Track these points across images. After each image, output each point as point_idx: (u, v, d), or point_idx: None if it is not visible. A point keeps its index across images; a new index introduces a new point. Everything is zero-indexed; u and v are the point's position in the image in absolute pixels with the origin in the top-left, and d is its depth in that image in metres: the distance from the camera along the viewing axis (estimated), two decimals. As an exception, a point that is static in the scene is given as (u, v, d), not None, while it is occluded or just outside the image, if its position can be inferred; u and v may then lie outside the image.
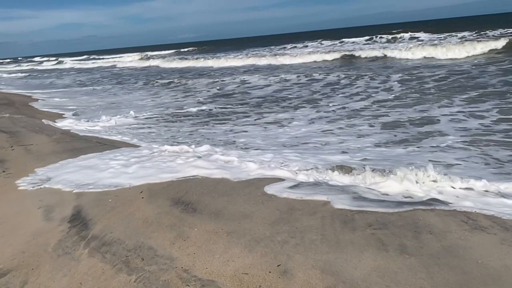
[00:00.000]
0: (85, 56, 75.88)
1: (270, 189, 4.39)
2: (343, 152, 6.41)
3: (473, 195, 4.28)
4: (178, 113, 11.96)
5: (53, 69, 50.39)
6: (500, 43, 20.30)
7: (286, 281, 2.72)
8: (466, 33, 32.14)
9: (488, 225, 3.32)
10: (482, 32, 31.19)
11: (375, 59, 23.38)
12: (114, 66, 42.04)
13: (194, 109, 12.25)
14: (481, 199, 4.10)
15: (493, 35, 29.09)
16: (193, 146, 6.63)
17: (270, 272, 2.82)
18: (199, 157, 5.79)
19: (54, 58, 79.57)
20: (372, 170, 4.95)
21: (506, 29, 30.47)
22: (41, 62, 73.39)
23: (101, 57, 67.38)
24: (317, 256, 2.97)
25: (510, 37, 21.33)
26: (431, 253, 2.95)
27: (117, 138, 8.27)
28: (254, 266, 2.91)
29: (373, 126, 8.34)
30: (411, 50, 22.43)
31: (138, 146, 7.12)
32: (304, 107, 11.56)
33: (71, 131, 9.09)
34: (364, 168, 5.09)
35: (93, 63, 53.84)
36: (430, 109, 9.47)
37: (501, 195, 4.25)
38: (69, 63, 59.56)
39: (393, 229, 3.33)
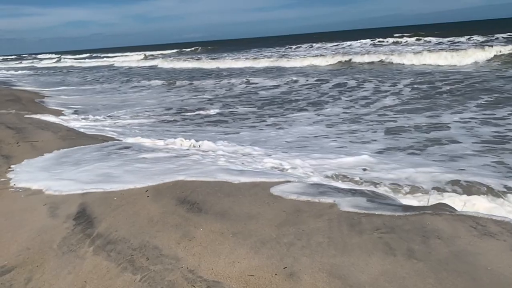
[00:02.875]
0: (87, 55, 75.75)
1: (276, 190, 4.36)
2: (342, 156, 6.32)
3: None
4: (175, 114, 11.89)
5: (52, 67, 50.31)
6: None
7: (292, 283, 2.69)
8: (476, 37, 31.88)
9: (497, 231, 3.28)
10: (490, 35, 30.99)
11: (382, 63, 23.18)
12: (120, 66, 41.84)
13: (195, 112, 12.18)
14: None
15: (502, 37, 28.89)
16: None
17: (276, 274, 2.80)
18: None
19: (57, 56, 79.52)
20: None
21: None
22: (42, 59, 73.49)
23: (104, 55, 67.18)
24: (324, 259, 2.94)
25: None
26: (439, 259, 2.91)
27: (115, 135, 8.28)
28: (260, 268, 2.88)
29: (376, 131, 8.23)
30: (421, 54, 22.16)
31: (118, 140, 7.13)
32: (307, 110, 11.50)
33: (77, 128, 9.10)
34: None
35: (95, 61, 53.73)
36: (442, 115, 9.30)
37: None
38: (68, 61, 59.41)
39: (401, 233, 3.29)
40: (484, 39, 30.18)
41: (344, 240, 3.22)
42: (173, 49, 69.95)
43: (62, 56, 74.28)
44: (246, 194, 4.33)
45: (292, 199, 4.13)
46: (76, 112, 12.44)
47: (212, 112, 11.86)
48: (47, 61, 65.19)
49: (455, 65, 19.25)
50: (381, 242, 3.16)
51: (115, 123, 10.36)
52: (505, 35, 29.66)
